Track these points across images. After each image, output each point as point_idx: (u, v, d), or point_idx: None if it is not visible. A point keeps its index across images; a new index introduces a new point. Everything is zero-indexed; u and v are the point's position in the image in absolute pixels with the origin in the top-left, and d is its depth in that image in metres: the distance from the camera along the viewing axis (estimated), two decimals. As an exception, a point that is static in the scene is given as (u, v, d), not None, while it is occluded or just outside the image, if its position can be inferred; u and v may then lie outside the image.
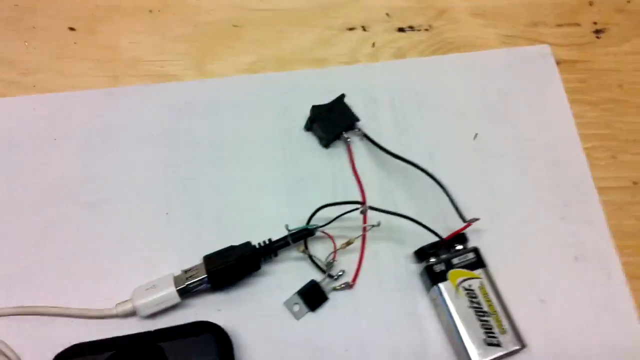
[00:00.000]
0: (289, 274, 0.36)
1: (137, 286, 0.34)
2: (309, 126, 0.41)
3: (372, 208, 0.35)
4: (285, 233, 0.35)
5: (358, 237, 0.36)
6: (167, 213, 0.38)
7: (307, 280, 0.36)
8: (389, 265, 0.37)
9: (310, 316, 0.35)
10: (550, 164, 0.41)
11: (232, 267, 0.34)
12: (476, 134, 0.42)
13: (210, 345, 0.32)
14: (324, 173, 0.40)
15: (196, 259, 0.36)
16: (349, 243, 0.35)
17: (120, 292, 0.35)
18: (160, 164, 0.40)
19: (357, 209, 0.35)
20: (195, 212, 0.38)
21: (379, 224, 0.36)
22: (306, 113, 0.41)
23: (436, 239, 0.36)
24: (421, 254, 0.36)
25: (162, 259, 0.36)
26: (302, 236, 0.35)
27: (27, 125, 0.41)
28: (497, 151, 0.41)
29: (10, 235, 0.37)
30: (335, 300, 0.36)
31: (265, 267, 0.36)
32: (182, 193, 0.39)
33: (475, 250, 0.36)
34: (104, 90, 0.42)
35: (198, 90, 0.42)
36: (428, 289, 0.36)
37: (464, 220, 0.36)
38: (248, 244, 0.35)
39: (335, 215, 0.35)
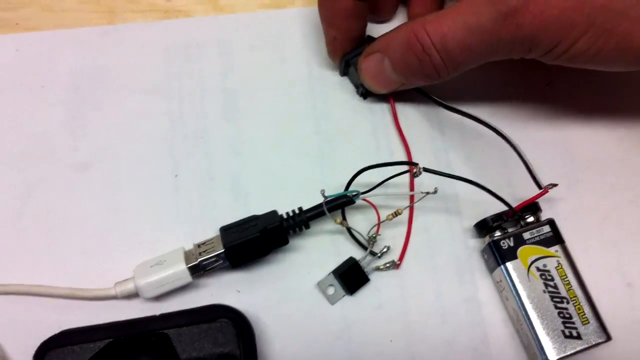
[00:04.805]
0: (323, 250, 0.32)
1: (141, 262, 0.31)
2: (345, 71, 0.36)
3: (427, 170, 0.31)
4: (319, 200, 0.30)
5: (407, 207, 0.32)
6: (176, 175, 0.34)
7: (345, 257, 0.32)
8: (444, 240, 0.33)
9: (348, 300, 0.32)
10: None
11: (254, 240, 0.30)
12: (549, 81, 0.37)
13: (228, 333, 0.28)
14: (363, 128, 0.35)
15: (211, 231, 0.32)
16: (396, 214, 0.31)
17: (120, 269, 0.31)
18: (164, 117, 0.35)
19: (406, 171, 0.32)
20: (208, 175, 0.34)
21: (435, 191, 0.31)
22: (341, 55, 0.36)
23: (501, 208, 0.31)
24: (484, 227, 0.32)
25: (170, 230, 0.32)
26: (339, 204, 0.31)
27: (7, 69, 0.36)
28: (576, 102, 0.36)
29: (-17, 202, 0.33)
30: (378, 282, 0.32)
31: (295, 242, 0.32)
32: (193, 151, 0.34)
33: (551, 222, 0.31)
34: (98, 28, 0.37)
35: (211, 28, 0.38)
36: (492, 270, 0.32)
37: (539, 185, 0.31)
38: (274, 213, 0.31)
39: (379, 181, 0.31)
